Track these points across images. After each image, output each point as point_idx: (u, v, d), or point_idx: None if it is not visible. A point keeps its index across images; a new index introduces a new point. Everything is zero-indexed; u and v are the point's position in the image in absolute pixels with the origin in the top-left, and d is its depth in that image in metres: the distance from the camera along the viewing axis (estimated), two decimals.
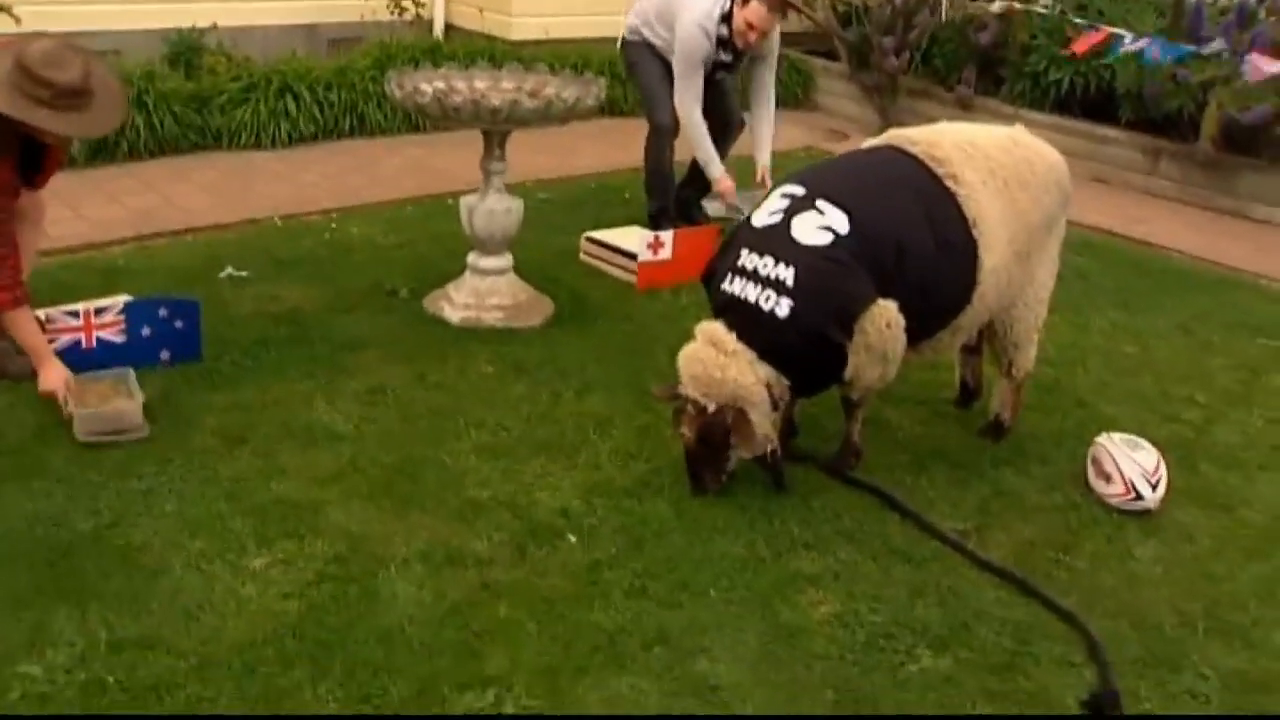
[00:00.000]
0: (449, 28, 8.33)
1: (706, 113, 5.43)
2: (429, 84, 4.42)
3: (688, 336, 3.46)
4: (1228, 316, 5.39)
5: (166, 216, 5.53)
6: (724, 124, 5.62)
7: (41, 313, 3.84)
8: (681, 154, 5.66)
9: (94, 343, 3.90)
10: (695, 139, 5.44)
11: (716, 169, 5.47)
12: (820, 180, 3.52)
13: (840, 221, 3.33)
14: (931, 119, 8.47)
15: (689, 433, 3.39)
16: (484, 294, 4.61)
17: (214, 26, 7.12)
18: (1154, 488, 3.60)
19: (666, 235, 5.11)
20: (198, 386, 3.93)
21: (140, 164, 6.20)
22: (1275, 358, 4.94)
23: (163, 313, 3.98)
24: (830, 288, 3.29)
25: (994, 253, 3.52)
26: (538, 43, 7.85)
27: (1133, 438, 3.75)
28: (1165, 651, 3.02)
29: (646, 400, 3.88)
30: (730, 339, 3.33)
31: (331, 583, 3.00)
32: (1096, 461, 3.70)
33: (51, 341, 3.78)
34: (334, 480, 3.46)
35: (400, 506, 3.36)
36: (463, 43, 7.87)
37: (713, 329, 3.38)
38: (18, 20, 5.79)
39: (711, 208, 5.87)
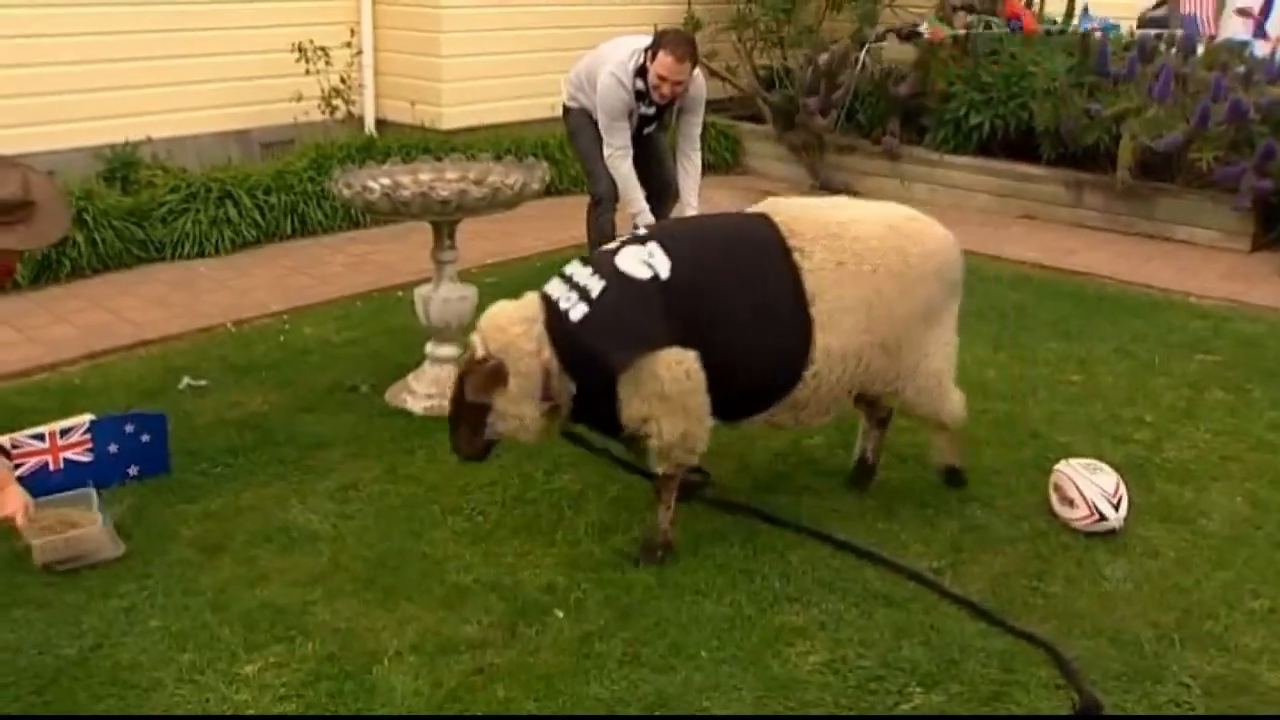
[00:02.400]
0: (380, 123, 8.44)
1: (642, 178, 5.54)
2: (375, 181, 4.50)
3: None
4: (1163, 336, 5.58)
5: (117, 332, 5.52)
6: (660, 190, 5.71)
7: (5, 439, 3.82)
8: (624, 226, 5.76)
9: (61, 464, 3.89)
10: (625, 190, 5.52)
11: (646, 219, 5.54)
12: (666, 228, 3.77)
13: (663, 266, 3.41)
14: (861, 172, 8.71)
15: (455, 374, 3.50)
16: (445, 383, 4.64)
17: (148, 139, 7.17)
18: (1116, 507, 3.72)
19: None
20: (169, 499, 3.92)
21: (84, 282, 6.20)
22: (1213, 372, 5.13)
23: (129, 428, 3.98)
24: (624, 314, 3.37)
25: (832, 333, 3.47)
26: (470, 130, 7.98)
27: (1091, 461, 3.88)
28: (1146, 665, 3.11)
29: (616, 473, 3.94)
30: (538, 315, 3.43)
31: (327, 681, 3.01)
32: (1058, 488, 3.82)
33: (18, 467, 3.76)
34: (317, 580, 3.47)
35: (387, 600, 3.38)
36: (395, 136, 7.98)
37: (530, 299, 3.50)
38: None
39: None
